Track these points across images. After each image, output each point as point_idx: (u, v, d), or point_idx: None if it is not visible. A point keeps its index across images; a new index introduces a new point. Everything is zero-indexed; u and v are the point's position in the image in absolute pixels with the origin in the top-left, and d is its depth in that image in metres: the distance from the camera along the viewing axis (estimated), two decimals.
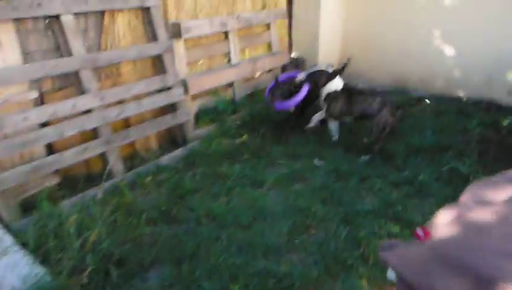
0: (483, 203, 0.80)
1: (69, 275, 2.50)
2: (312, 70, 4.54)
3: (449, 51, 5.77)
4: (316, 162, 4.19)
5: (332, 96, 4.41)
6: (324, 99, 4.48)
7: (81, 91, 3.65)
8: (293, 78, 4.71)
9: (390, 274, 0.88)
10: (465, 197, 0.87)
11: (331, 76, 4.39)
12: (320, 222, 3.17)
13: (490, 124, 4.99)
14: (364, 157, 4.21)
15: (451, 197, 3.39)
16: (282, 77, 4.94)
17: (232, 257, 2.78)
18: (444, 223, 0.81)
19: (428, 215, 3.16)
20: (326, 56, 6.54)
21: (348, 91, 4.43)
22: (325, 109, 4.49)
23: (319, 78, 4.41)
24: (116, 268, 2.63)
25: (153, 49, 4.14)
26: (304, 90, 4.46)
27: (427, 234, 0.82)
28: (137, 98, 4.07)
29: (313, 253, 2.86)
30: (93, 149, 3.70)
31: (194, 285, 2.58)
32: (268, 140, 4.68)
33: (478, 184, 0.90)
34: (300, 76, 4.54)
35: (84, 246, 2.70)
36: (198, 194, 3.57)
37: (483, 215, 0.75)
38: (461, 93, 5.84)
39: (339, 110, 4.40)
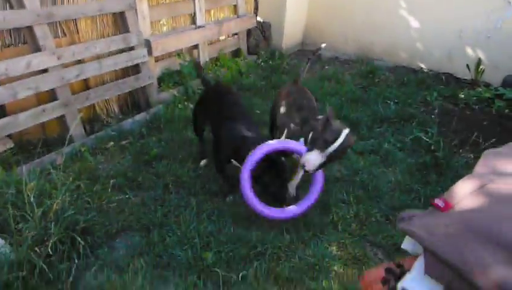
0: (502, 174, 0.79)
1: (31, 247, 2.35)
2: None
3: (414, 23, 5.86)
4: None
5: None
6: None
7: (36, 48, 3.36)
8: (283, 151, 2.74)
9: (408, 245, 0.86)
10: (481, 168, 0.86)
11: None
12: None
13: (449, 96, 5.17)
14: None
15: (414, 166, 3.51)
16: (260, 151, 2.64)
17: (203, 224, 2.74)
18: (466, 194, 0.80)
19: (393, 182, 3.26)
20: (293, 22, 6.45)
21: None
22: None
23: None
24: (82, 238, 2.50)
25: (115, 5, 3.86)
26: (319, 180, 2.80)
27: (448, 204, 0.81)
28: (98, 58, 3.82)
29: (284, 220, 2.87)
30: (50, 112, 3.46)
31: (165, 253, 2.53)
32: None
33: (491, 156, 0.89)
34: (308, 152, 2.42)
35: (46, 215, 2.54)
36: (165, 160, 3.46)
37: (507, 187, 0.74)
38: (423, 65, 5.99)
39: None
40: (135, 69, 4.19)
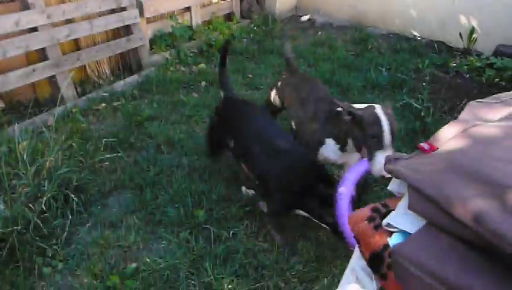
0: (483, 120, 0.83)
1: (25, 203, 2.39)
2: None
3: None
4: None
5: None
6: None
7: (25, 6, 3.30)
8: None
9: (393, 186, 0.91)
10: (465, 115, 0.90)
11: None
12: None
13: (441, 64, 5.19)
14: None
15: (404, 131, 3.56)
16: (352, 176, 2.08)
17: (195, 183, 2.79)
18: (450, 137, 0.84)
19: None
20: None
21: None
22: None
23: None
24: (76, 195, 2.55)
25: None
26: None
27: (432, 147, 0.85)
28: (89, 18, 3.76)
29: None
30: (41, 72, 3.43)
31: (157, 211, 2.58)
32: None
33: (474, 105, 0.93)
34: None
35: (39, 173, 2.57)
36: (156, 121, 3.48)
37: (488, 130, 0.78)
38: (416, 33, 5.97)
39: None
40: (127, 31, 4.13)
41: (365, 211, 0.87)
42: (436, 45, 5.74)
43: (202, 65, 4.56)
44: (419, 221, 0.78)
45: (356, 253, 0.99)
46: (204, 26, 5.27)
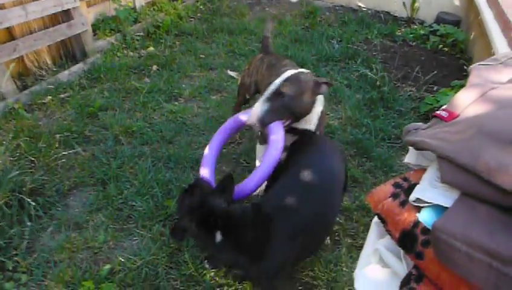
0: (498, 82, 0.80)
1: None
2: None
3: None
4: (230, 72, 4.06)
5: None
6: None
7: None
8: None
9: (411, 158, 0.86)
10: (475, 78, 0.86)
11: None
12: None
13: (387, 34, 5.29)
14: None
15: (362, 101, 3.60)
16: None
17: (161, 173, 2.65)
18: (469, 102, 0.80)
19: (343, 118, 3.33)
20: None
21: None
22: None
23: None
24: (31, 199, 2.33)
25: None
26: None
27: (452, 114, 0.80)
28: (21, 3, 3.41)
29: (242, 162, 2.86)
30: None
31: (124, 206, 2.43)
32: (177, 51, 4.38)
33: (480, 68, 0.90)
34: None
35: None
36: (110, 111, 3.26)
37: (507, 91, 0.75)
38: (361, 4, 6.04)
39: None
40: (66, 16, 3.81)
41: (387, 187, 0.82)
42: (382, 15, 5.85)
43: (151, 48, 4.34)
44: (452, 193, 0.73)
45: (374, 232, 0.94)
46: (148, 8, 5.00)
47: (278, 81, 1.94)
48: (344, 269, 2.13)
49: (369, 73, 3.96)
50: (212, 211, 1.59)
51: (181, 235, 1.61)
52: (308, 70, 2.05)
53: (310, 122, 2.12)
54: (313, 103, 2.05)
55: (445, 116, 0.80)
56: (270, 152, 1.87)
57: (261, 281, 1.76)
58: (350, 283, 2.06)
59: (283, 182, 1.74)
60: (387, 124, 3.33)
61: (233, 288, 2.01)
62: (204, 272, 2.07)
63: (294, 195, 1.64)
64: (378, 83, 3.86)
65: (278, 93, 1.92)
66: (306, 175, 1.69)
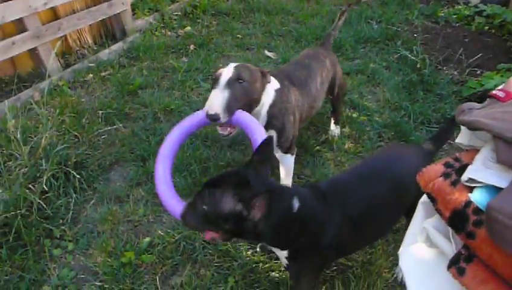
0: None
1: (24, 184, 2.26)
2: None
3: None
4: (267, 52, 4.05)
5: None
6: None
7: None
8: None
9: (463, 139, 0.84)
10: None
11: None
12: None
13: (429, 15, 5.11)
14: None
15: (401, 84, 3.51)
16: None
17: (199, 150, 2.70)
18: None
19: (382, 101, 3.27)
20: None
21: None
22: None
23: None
24: (76, 172, 2.43)
25: None
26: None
27: (509, 94, 0.78)
28: None
29: None
30: (21, 45, 3.21)
31: None
32: (214, 31, 4.40)
33: None
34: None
35: (35, 152, 2.44)
36: (149, 89, 3.33)
37: None
38: None
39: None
40: None
41: (438, 167, 0.81)
42: None
43: (188, 28, 4.38)
44: (507, 174, 0.72)
45: (421, 212, 0.93)
46: None
47: (229, 69, 1.88)
48: (379, 251, 2.13)
49: (409, 55, 3.85)
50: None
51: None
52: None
53: (260, 114, 2.05)
54: (262, 91, 2.00)
55: (502, 96, 0.77)
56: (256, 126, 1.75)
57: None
58: (385, 265, 2.06)
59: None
60: (427, 107, 3.24)
61: (267, 265, 2.04)
62: (241, 249, 2.11)
63: (349, 184, 1.65)
64: (418, 65, 3.75)
65: (235, 79, 1.85)
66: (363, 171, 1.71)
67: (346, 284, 2.00)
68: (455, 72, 3.81)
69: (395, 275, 2.02)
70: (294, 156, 2.33)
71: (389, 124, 3.04)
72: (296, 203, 1.38)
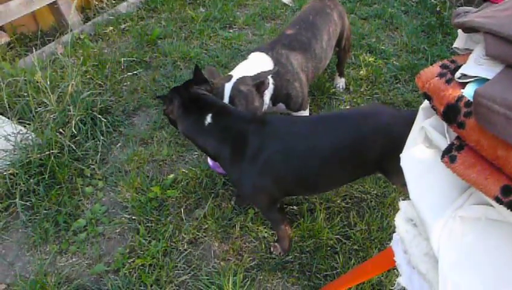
0: None
1: (54, 129, 2.41)
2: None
3: None
4: (284, 0, 4.02)
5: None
6: None
7: None
8: None
9: (459, 43, 0.89)
10: None
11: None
12: None
13: None
14: None
15: (420, 27, 3.46)
16: None
17: None
18: None
19: (399, 44, 3.26)
20: None
21: None
22: None
23: None
24: (103, 117, 2.56)
25: None
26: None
27: None
28: None
29: None
30: None
31: None
32: None
33: None
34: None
35: (62, 99, 2.57)
36: (168, 39, 3.39)
37: None
38: None
39: None
40: None
41: (435, 68, 0.86)
42: None
43: None
44: (496, 68, 0.77)
45: (420, 117, 1.00)
46: None
47: (226, 93, 1.86)
48: (393, 186, 2.21)
49: None
50: (198, 95, 1.73)
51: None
52: (243, 75, 1.93)
53: (265, 102, 2.06)
54: (263, 102, 2.00)
55: None
56: None
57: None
58: (399, 197, 2.14)
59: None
60: (446, 50, 3.21)
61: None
62: None
63: (303, 122, 1.77)
64: (438, 8, 3.67)
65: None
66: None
67: (361, 215, 2.11)
68: None
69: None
70: (308, 109, 2.36)
71: (405, 66, 3.04)
72: (208, 119, 1.66)
